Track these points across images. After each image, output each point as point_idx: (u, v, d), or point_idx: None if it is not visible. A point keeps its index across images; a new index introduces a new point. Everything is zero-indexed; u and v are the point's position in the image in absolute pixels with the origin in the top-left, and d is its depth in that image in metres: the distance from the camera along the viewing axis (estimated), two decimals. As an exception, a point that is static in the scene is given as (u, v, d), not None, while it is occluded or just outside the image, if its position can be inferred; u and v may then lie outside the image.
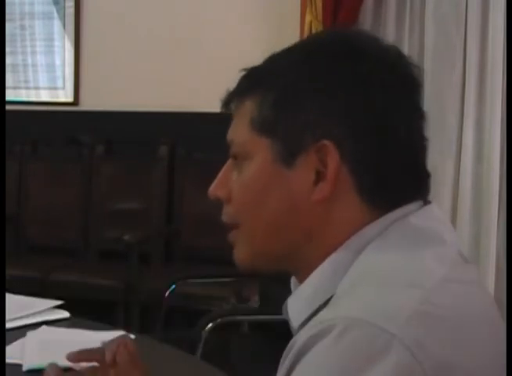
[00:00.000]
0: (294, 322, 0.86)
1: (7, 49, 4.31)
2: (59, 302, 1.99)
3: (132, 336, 1.77)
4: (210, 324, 2.27)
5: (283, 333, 2.75)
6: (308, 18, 3.61)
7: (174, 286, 2.73)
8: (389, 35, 3.58)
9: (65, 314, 1.95)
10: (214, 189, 0.93)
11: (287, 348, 0.77)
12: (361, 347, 0.70)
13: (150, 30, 4.07)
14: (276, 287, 2.57)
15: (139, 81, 4.10)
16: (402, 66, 0.85)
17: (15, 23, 4.34)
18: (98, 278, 3.65)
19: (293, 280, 0.93)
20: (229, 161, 0.91)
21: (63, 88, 4.29)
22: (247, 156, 0.86)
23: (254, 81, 0.88)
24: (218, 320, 2.32)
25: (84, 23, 4.23)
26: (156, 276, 3.52)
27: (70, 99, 4.27)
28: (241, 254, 0.90)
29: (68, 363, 1.60)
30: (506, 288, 0.78)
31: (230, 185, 0.90)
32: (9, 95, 4.24)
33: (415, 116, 0.85)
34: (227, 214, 0.91)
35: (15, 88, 4.37)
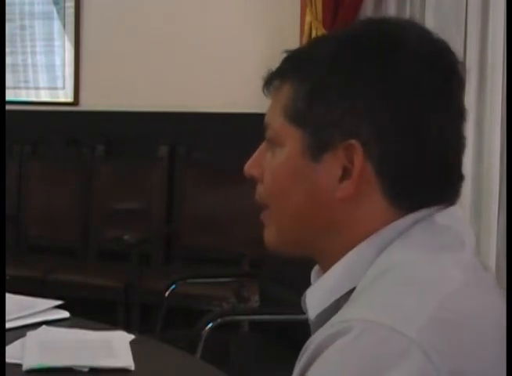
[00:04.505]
0: (311, 312, 0.86)
1: (7, 49, 4.31)
2: (59, 302, 1.99)
3: (132, 336, 1.77)
4: (210, 324, 2.26)
5: (283, 333, 2.77)
6: (308, 18, 3.61)
7: (174, 286, 2.73)
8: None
9: (65, 314, 1.95)
10: (249, 167, 0.93)
11: (304, 347, 0.77)
12: (378, 350, 0.70)
13: (150, 30, 4.07)
14: (276, 287, 2.57)
15: (139, 81, 4.10)
16: (444, 63, 0.83)
17: (15, 23, 4.34)
18: (98, 278, 3.65)
19: (313, 271, 0.93)
20: (265, 142, 0.91)
21: (63, 88, 4.29)
22: (280, 142, 0.86)
23: (293, 65, 0.87)
24: (218, 320, 2.31)
25: (84, 23, 4.23)
26: (156, 276, 3.53)
27: (70, 99, 4.27)
28: (269, 236, 0.91)
29: (68, 363, 1.60)
30: (506, 288, 0.78)
31: (264, 165, 0.90)
32: (9, 95, 4.23)
33: (453, 116, 0.83)
34: (259, 194, 0.92)
35: (15, 88, 4.37)
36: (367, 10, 3.64)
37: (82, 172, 4.12)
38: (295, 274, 2.51)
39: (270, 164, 0.88)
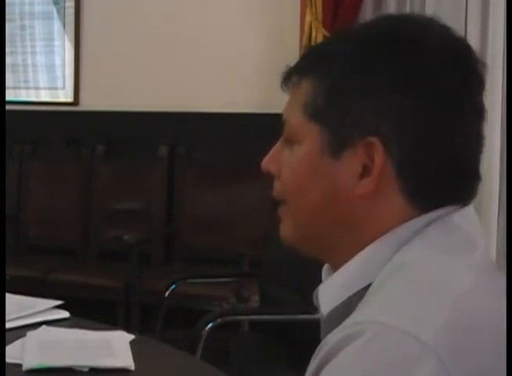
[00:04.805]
0: (324, 308, 0.86)
1: (7, 49, 4.31)
2: (59, 302, 1.99)
3: (132, 336, 1.77)
4: (210, 324, 2.26)
5: (282, 333, 2.77)
6: (308, 18, 3.61)
7: (174, 286, 2.73)
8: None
9: (65, 314, 1.95)
10: (266, 163, 0.91)
11: (318, 348, 0.77)
12: (391, 355, 0.69)
13: (150, 30, 4.07)
14: (276, 287, 2.57)
15: (139, 81, 4.10)
16: (465, 63, 0.83)
17: (15, 23, 4.34)
18: (98, 278, 3.65)
19: (325, 268, 0.93)
20: (282, 138, 0.90)
21: (63, 88, 4.29)
22: (298, 139, 0.86)
23: (313, 62, 0.87)
24: (218, 320, 2.31)
25: (84, 23, 4.23)
26: (156, 276, 3.53)
27: (70, 99, 4.27)
28: (285, 230, 0.91)
29: (68, 363, 1.60)
30: (506, 288, 0.78)
31: (281, 161, 0.89)
32: (9, 95, 4.23)
33: (472, 116, 0.83)
34: (276, 189, 0.91)
35: (15, 88, 4.37)
36: (367, 10, 3.64)
37: (82, 172, 4.12)
38: (295, 274, 2.51)
39: (288, 161, 0.88)
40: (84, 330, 1.82)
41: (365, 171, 0.81)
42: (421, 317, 0.71)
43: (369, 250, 0.82)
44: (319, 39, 3.57)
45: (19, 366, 1.59)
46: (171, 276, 2.92)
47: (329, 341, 0.74)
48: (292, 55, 3.74)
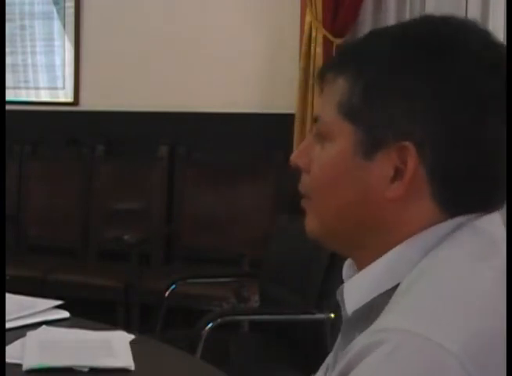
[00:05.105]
0: (349, 308, 0.85)
1: (7, 49, 4.31)
2: (59, 302, 1.99)
3: (132, 336, 1.77)
4: (210, 324, 2.27)
5: (282, 333, 2.76)
6: (308, 18, 3.61)
7: (174, 286, 2.73)
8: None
9: (65, 314, 1.95)
10: (296, 157, 0.90)
11: (344, 352, 0.76)
12: (415, 363, 0.68)
13: (150, 30, 4.07)
14: (276, 287, 2.57)
15: (139, 81, 4.10)
16: (503, 69, 0.81)
17: (15, 23, 4.34)
18: (98, 278, 3.65)
19: (345, 265, 0.92)
20: (314, 134, 0.89)
21: (63, 88, 4.29)
22: (330, 137, 0.85)
23: (349, 60, 0.86)
24: (218, 320, 2.31)
25: (84, 23, 4.23)
26: (156, 276, 3.53)
27: (70, 99, 4.27)
28: (310, 225, 0.90)
29: (68, 363, 1.60)
30: (506, 289, 0.77)
31: (311, 156, 0.88)
32: (9, 95, 4.23)
33: (503, 123, 0.81)
34: (303, 184, 0.90)
35: (15, 88, 4.37)
36: (367, 10, 3.64)
37: (82, 172, 4.12)
38: (295, 274, 2.51)
39: (319, 157, 0.87)
40: (84, 330, 1.82)
41: (397, 174, 0.81)
42: (447, 325, 0.70)
43: (397, 251, 0.82)
44: (319, 39, 3.57)
45: (19, 366, 1.59)
46: (171, 276, 2.92)
47: (355, 345, 0.73)
48: (292, 55, 3.74)
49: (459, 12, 3.50)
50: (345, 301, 0.86)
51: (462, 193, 0.81)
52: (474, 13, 3.46)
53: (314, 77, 3.59)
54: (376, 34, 0.87)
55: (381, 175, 0.81)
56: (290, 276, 2.46)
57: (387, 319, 0.74)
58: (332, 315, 2.25)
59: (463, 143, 0.79)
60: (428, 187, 0.81)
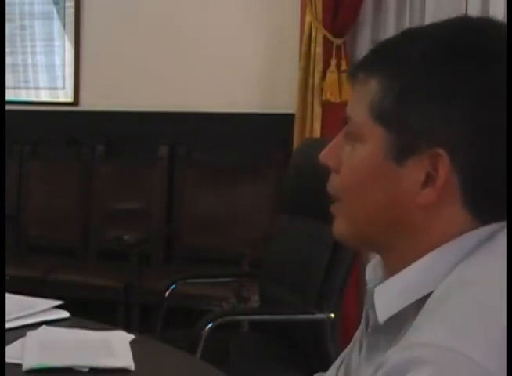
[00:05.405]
0: (381, 314, 0.84)
1: (7, 49, 4.31)
2: (59, 302, 1.99)
3: (132, 336, 1.77)
4: (210, 324, 2.26)
5: (282, 333, 2.76)
6: (308, 18, 3.60)
7: (174, 286, 2.72)
8: (389, 36, 3.57)
9: (65, 314, 1.95)
10: (325, 157, 0.89)
11: (377, 364, 0.74)
12: None
13: (150, 30, 4.07)
14: (276, 287, 2.57)
15: (139, 81, 4.10)
16: None
17: (15, 23, 4.34)
18: (98, 278, 3.65)
19: (370, 265, 0.92)
20: (344, 133, 0.88)
21: (63, 88, 4.29)
22: (361, 138, 0.84)
23: (382, 60, 0.84)
24: (218, 320, 2.31)
25: (84, 23, 4.23)
26: (156, 276, 3.52)
27: (70, 99, 4.27)
28: (340, 228, 0.89)
29: (68, 363, 1.60)
30: (506, 289, 0.77)
31: (341, 156, 0.87)
32: (9, 95, 4.23)
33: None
34: (333, 185, 0.89)
35: (15, 88, 4.37)
36: (367, 10, 3.64)
37: (82, 172, 4.12)
38: (295, 274, 2.51)
39: (349, 158, 0.86)
40: (84, 330, 1.81)
41: (428, 179, 0.80)
42: (487, 343, 0.69)
43: (430, 258, 0.81)
44: (319, 39, 3.57)
45: (19, 366, 1.59)
46: (171, 276, 2.92)
47: (390, 358, 0.71)
48: (292, 55, 3.74)
49: (459, 13, 3.50)
50: (376, 308, 0.84)
51: (494, 199, 0.80)
52: (474, 13, 3.46)
53: (313, 78, 3.59)
54: (411, 36, 0.85)
55: (412, 180, 0.81)
56: (290, 276, 2.46)
57: (425, 331, 0.72)
58: (332, 315, 2.25)
59: (497, 150, 0.78)
60: (460, 194, 0.80)
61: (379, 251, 0.89)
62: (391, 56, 0.84)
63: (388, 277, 0.85)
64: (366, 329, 0.90)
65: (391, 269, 0.85)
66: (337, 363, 1.05)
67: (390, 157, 0.82)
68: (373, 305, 0.85)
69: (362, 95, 0.84)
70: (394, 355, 0.71)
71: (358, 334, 0.98)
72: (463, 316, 0.72)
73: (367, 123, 0.83)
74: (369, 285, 0.91)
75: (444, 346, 0.68)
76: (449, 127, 0.79)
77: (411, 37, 0.85)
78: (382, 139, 0.82)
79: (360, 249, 0.92)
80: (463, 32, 0.83)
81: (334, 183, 0.88)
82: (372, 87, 0.83)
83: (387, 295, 0.84)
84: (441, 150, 0.79)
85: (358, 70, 0.86)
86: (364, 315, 0.93)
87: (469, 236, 0.80)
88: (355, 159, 0.85)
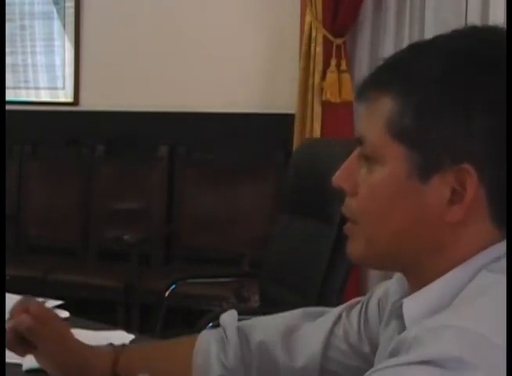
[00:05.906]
0: (410, 326, 0.82)
1: (7, 49, 4.30)
2: (59, 302, 1.99)
3: (132, 336, 1.77)
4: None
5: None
6: (308, 18, 3.60)
7: (174, 286, 2.72)
8: (389, 36, 3.57)
9: (65, 314, 1.95)
10: (339, 179, 0.86)
11: (395, 343, 0.74)
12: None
13: (150, 30, 4.07)
14: (276, 287, 2.57)
15: (139, 81, 4.10)
16: None
17: (15, 23, 4.34)
18: (98, 278, 3.65)
19: (397, 277, 0.91)
20: (357, 154, 0.85)
21: (63, 88, 4.29)
22: (380, 159, 0.81)
23: (394, 77, 0.82)
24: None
25: (84, 23, 4.23)
26: (156, 276, 3.52)
27: (70, 99, 4.27)
28: (357, 250, 0.87)
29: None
30: (506, 290, 0.77)
31: (356, 179, 0.84)
32: (9, 95, 4.23)
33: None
34: (349, 208, 0.86)
35: (15, 88, 4.37)
36: (367, 10, 3.64)
37: (82, 172, 4.12)
38: (295, 274, 2.51)
39: (367, 181, 0.83)
40: (84, 330, 1.81)
41: (454, 195, 0.78)
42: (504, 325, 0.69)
43: (460, 271, 0.80)
44: (319, 39, 3.57)
45: (19, 366, 1.59)
46: (171, 276, 2.92)
47: (410, 333, 0.72)
48: (292, 55, 3.75)
49: (459, 13, 3.50)
50: (405, 319, 0.83)
51: None
52: (474, 13, 3.46)
53: (313, 77, 3.59)
54: (421, 49, 0.83)
55: (438, 198, 0.79)
56: (290, 276, 2.46)
57: (449, 314, 0.73)
58: (332, 315, 2.24)
59: None
60: (487, 208, 0.79)
61: (402, 269, 0.87)
62: (401, 72, 0.82)
63: (415, 291, 0.84)
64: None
65: (417, 283, 0.84)
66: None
67: (413, 176, 0.79)
68: (399, 317, 0.84)
69: (376, 114, 0.82)
70: (413, 331, 0.72)
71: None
72: (490, 308, 0.72)
73: (385, 142, 0.81)
74: (394, 297, 0.91)
75: (466, 328, 0.69)
76: (473, 140, 0.77)
77: (422, 52, 0.83)
78: (403, 158, 0.80)
79: (380, 268, 0.90)
80: (473, 42, 0.81)
81: (351, 206, 0.86)
82: (385, 105, 0.81)
83: (413, 309, 0.83)
84: (467, 166, 0.77)
85: (368, 88, 0.84)
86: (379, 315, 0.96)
87: (496, 247, 0.79)
88: (374, 180, 0.82)
